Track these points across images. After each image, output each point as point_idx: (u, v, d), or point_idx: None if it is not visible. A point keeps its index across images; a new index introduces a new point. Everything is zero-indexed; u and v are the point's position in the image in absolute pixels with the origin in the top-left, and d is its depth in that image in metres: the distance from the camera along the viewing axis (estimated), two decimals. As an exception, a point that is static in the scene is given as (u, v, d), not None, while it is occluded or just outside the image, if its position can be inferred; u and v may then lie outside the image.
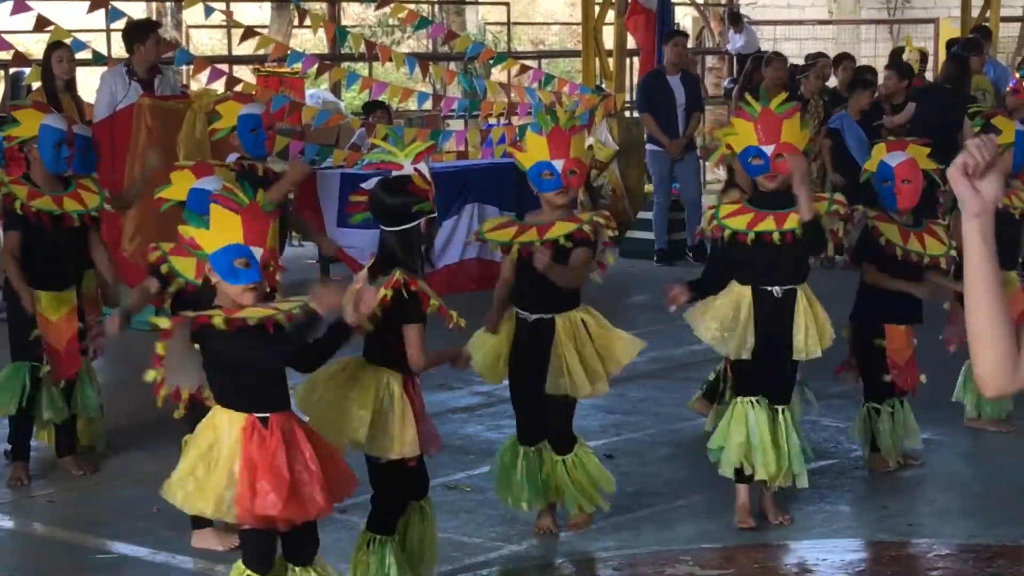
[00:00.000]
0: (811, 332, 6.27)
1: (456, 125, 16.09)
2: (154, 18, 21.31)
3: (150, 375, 4.67)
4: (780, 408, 6.37)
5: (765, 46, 20.92)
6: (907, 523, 6.60)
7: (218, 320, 4.55)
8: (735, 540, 6.36)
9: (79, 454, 7.36)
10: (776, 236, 6.20)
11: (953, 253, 7.00)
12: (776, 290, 6.29)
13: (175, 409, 6.19)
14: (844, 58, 15.05)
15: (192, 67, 12.78)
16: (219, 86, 11.82)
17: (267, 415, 4.72)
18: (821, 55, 15.43)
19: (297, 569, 4.91)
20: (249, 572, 4.83)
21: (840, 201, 6.32)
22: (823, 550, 6.35)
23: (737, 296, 6.35)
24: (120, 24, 11.42)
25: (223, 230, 4.68)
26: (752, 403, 6.37)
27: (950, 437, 7.92)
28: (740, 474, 6.41)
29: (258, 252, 4.68)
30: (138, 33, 10.76)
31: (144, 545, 6.31)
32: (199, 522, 6.21)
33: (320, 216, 11.73)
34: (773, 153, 6.20)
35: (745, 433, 6.35)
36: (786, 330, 6.28)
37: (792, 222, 6.18)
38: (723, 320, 6.33)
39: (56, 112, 7.27)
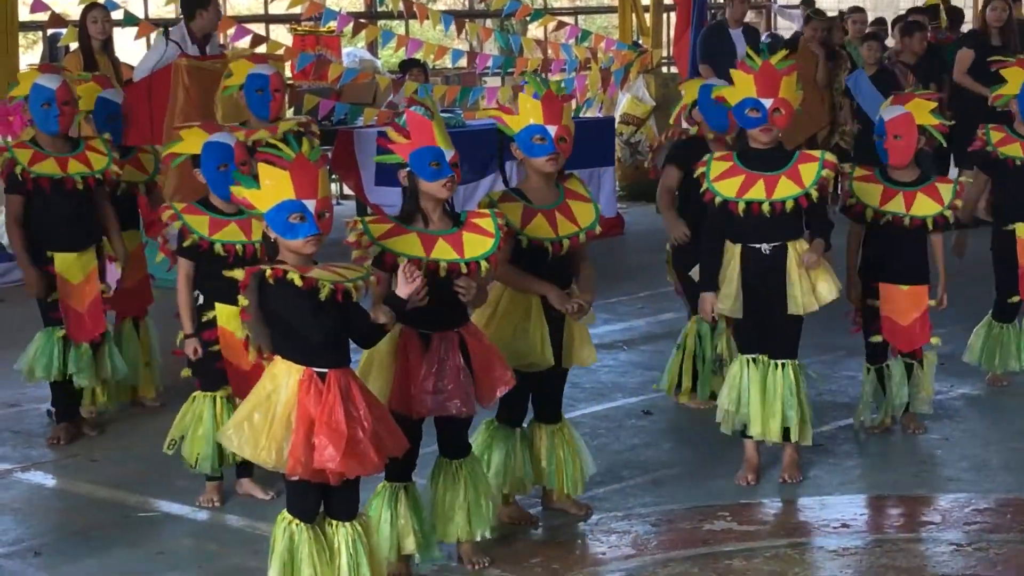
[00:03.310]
0: (805, 287, 6.28)
1: (493, 82, 16.07)
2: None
3: (240, 332, 4.80)
4: (781, 363, 6.39)
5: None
6: (945, 477, 6.61)
7: (294, 276, 4.65)
8: (772, 495, 6.38)
9: (84, 418, 7.47)
10: (766, 207, 6.21)
11: (947, 213, 6.86)
12: (764, 247, 6.30)
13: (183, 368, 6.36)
14: (855, 11, 15.00)
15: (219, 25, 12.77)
16: (247, 44, 11.84)
17: (325, 370, 4.79)
18: (858, 10, 15.34)
19: (335, 523, 4.96)
20: (292, 518, 4.90)
21: (830, 163, 6.28)
22: (861, 505, 6.36)
23: (728, 255, 6.38)
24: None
25: (274, 187, 4.74)
26: (748, 361, 6.41)
27: (988, 392, 7.90)
28: (746, 430, 6.48)
29: (311, 204, 4.75)
30: (200, 0, 10.81)
31: (186, 503, 6.37)
32: (242, 470, 6.29)
33: (358, 174, 11.77)
34: (771, 107, 6.21)
35: (737, 391, 6.40)
36: (779, 286, 6.29)
37: (783, 191, 6.21)
38: (725, 284, 6.39)
39: (55, 71, 7.26)
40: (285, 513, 4.94)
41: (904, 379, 7.07)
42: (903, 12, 15.68)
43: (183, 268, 6.19)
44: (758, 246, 6.33)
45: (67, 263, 7.07)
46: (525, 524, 6.04)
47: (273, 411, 4.78)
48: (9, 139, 7.25)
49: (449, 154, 5.26)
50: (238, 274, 4.74)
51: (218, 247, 6.10)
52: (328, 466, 4.74)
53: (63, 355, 7.10)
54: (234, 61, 7.67)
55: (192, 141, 6.23)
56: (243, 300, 4.75)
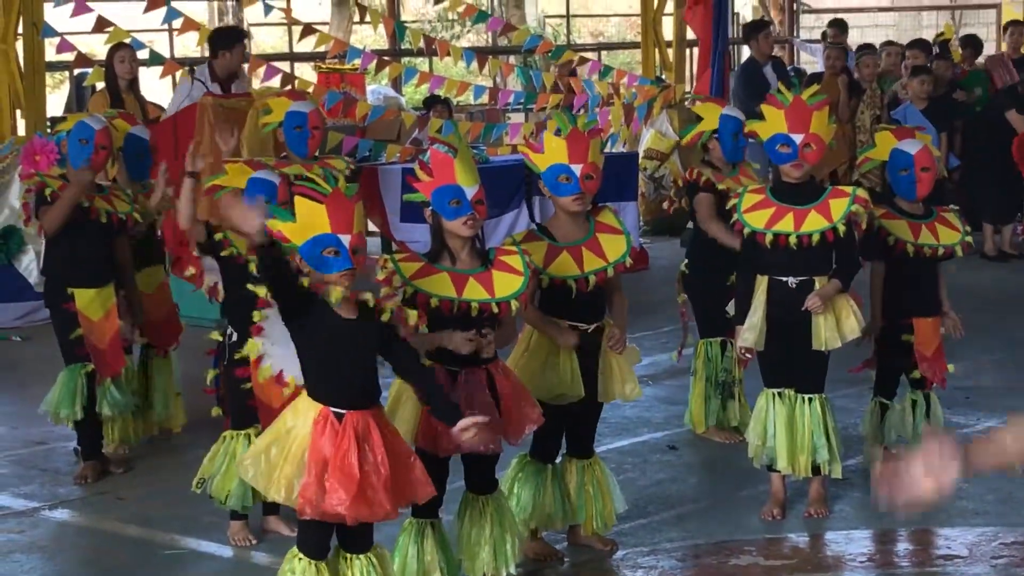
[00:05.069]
0: (829, 323, 6.29)
1: (517, 118, 16.10)
2: (215, 17, 21.51)
3: (251, 346, 4.83)
4: (808, 398, 6.40)
5: (830, 20, 20.79)
6: (972, 511, 6.59)
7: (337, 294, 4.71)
8: (798, 530, 6.36)
9: (110, 457, 7.48)
10: (793, 240, 6.23)
11: (969, 239, 6.89)
12: (791, 281, 6.32)
13: (214, 407, 6.37)
14: (888, 44, 15.06)
15: (248, 65, 12.86)
16: (276, 83, 11.89)
17: (344, 411, 4.78)
18: (891, 43, 15.40)
19: (349, 556, 4.96)
20: (302, 557, 4.90)
21: (861, 199, 6.30)
22: (888, 539, 6.34)
23: (754, 287, 6.40)
24: (178, 24, 11.54)
25: (309, 221, 4.74)
26: (774, 395, 6.42)
27: (1015, 424, 7.86)
28: (774, 464, 6.48)
29: (346, 239, 4.75)
30: (226, 40, 10.86)
31: (213, 540, 6.38)
32: (269, 507, 6.29)
33: (383, 211, 11.80)
34: (802, 142, 6.23)
35: (763, 425, 6.41)
36: (804, 320, 6.30)
37: (811, 225, 6.22)
38: (749, 316, 6.40)
39: (101, 118, 7.38)
40: (295, 549, 4.95)
41: (924, 411, 7.08)
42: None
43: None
44: (784, 279, 6.33)
45: (87, 299, 7.11)
46: (551, 560, 6.03)
47: (289, 447, 4.78)
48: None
49: (471, 191, 5.26)
50: (261, 291, 4.75)
51: (252, 267, 6.09)
52: (337, 510, 4.72)
53: (88, 391, 7.13)
54: (272, 99, 7.72)
55: (237, 176, 6.26)
56: (259, 316, 4.75)
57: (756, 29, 14.31)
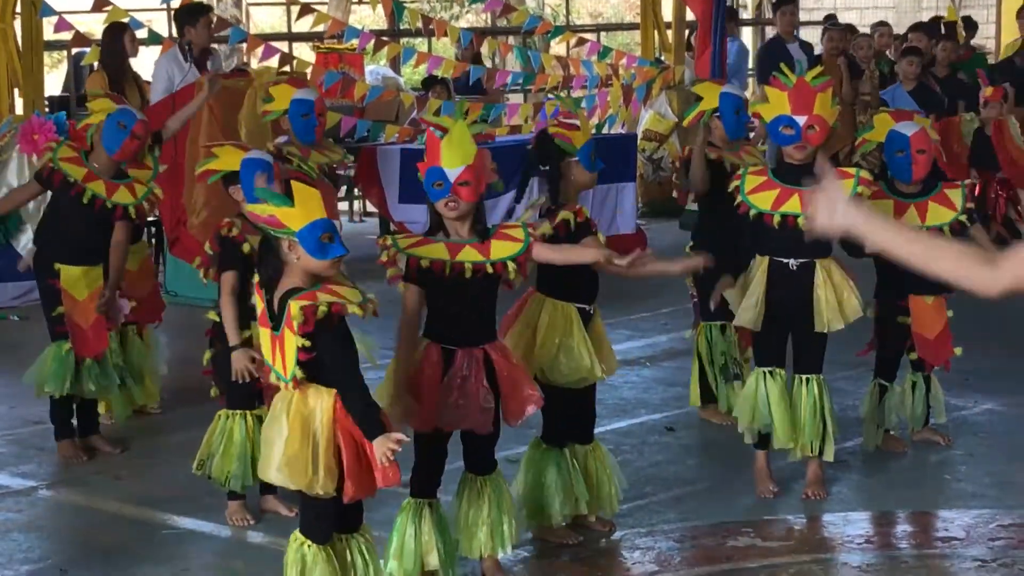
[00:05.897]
0: (831, 304, 6.30)
1: (517, 99, 16.07)
2: (214, -3, 21.44)
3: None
4: (806, 378, 6.41)
5: (825, 15, 20.75)
6: (970, 493, 6.59)
7: (355, 309, 4.67)
8: (796, 511, 6.37)
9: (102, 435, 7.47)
10: (801, 220, 6.19)
11: (962, 218, 6.79)
12: (792, 263, 6.32)
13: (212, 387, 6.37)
14: (881, 25, 15.04)
15: (247, 45, 12.83)
16: (274, 63, 11.87)
17: None
18: (883, 23, 15.36)
19: (344, 536, 4.95)
20: (305, 540, 4.89)
21: (865, 180, 6.29)
22: (885, 521, 6.35)
23: (754, 267, 6.41)
24: (177, 3, 11.51)
25: (307, 206, 4.70)
26: (766, 374, 6.43)
27: (1014, 408, 7.88)
28: (762, 440, 6.52)
29: (337, 225, 4.75)
30: (189, 16, 10.83)
31: (211, 520, 6.38)
32: (266, 487, 6.28)
33: (382, 192, 11.79)
34: (805, 124, 6.22)
35: (754, 404, 6.42)
36: (805, 302, 6.31)
37: None
38: (747, 296, 6.40)
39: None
40: (298, 534, 4.92)
41: (924, 393, 7.08)
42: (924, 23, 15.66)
43: (228, 282, 6.07)
44: (785, 261, 6.33)
45: (73, 278, 7.06)
46: (566, 542, 6.01)
47: (314, 440, 4.73)
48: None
49: (453, 173, 5.25)
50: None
51: None
52: (392, 483, 4.70)
53: (75, 369, 7.11)
54: (273, 87, 7.71)
55: (228, 159, 6.22)
56: (303, 342, 4.62)
57: (783, 4, 14.16)
